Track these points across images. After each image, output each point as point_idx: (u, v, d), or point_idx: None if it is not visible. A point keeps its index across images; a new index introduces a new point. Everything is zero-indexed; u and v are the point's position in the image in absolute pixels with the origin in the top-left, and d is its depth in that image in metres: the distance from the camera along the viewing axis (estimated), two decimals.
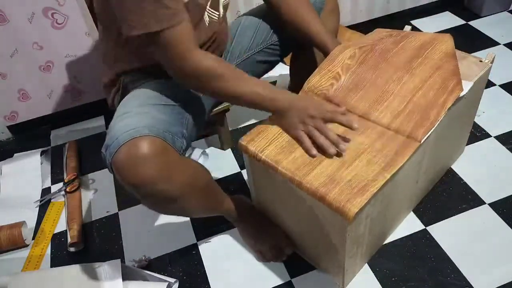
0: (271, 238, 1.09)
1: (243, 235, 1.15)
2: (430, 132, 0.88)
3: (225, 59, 1.13)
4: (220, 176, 1.36)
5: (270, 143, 0.90)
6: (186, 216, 1.21)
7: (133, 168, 0.76)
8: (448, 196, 1.20)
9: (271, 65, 1.21)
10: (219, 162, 1.42)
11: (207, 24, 0.96)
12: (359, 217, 0.80)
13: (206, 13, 0.94)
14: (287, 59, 1.29)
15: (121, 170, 0.77)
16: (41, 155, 1.54)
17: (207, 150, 1.44)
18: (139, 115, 0.83)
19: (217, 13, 0.97)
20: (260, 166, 0.91)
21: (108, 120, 1.67)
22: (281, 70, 1.66)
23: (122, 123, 0.80)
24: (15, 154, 1.56)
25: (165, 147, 0.80)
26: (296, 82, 1.19)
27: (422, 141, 0.86)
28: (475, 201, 1.17)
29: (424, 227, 1.13)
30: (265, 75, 1.24)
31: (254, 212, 1.12)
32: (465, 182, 1.23)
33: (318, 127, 0.87)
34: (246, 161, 0.98)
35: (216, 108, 1.24)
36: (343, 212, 0.77)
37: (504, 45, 1.75)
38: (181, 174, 0.84)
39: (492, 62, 1.05)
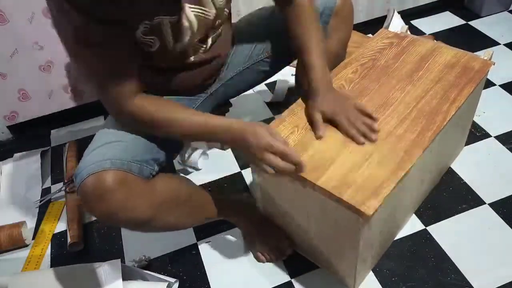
0: (273, 240, 1.09)
1: (244, 236, 1.15)
2: (436, 135, 0.89)
3: (224, 70, 1.10)
4: (220, 176, 1.36)
5: None
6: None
7: (95, 201, 0.80)
8: (448, 196, 1.20)
9: (273, 72, 1.18)
10: (219, 162, 1.42)
11: (192, 59, 0.95)
12: (373, 218, 0.80)
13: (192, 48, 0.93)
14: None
15: (86, 203, 0.81)
16: (41, 155, 1.54)
17: (207, 151, 1.44)
18: (107, 146, 0.84)
19: (204, 46, 0.95)
20: None
21: None
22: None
23: (90, 155, 0.83)
24: (15, 154, 1.56)
25: (126, 179, 0.81)
26: (301, 85, 1.17)
27: (430, 142, 0.87)
28: (475, 201, 1.17)
29: (424, 227, 1.13)
30: None
31: (256, 212, 1.12)
32: (465, 182, 1.23)
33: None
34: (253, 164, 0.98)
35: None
36: (360, 213, 0.77)
37: (504, 45, 1.75)
38: (147, 200, 0.85)
39: (491, 59, 1.06)
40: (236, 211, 1.09)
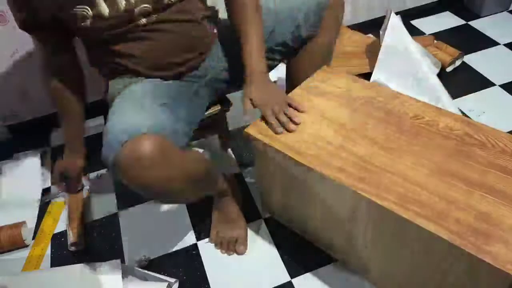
0: (233, 232, 1.14)
1: (214, 213, 1.19)
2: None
3: (211, 62, 1.08)
4: None
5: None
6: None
7: (138, 169, 0.75)
8: None
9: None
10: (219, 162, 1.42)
11: (144, 21, 0.91)
12: None
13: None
14: None
15: (125, 170, 0.76)
16: (41, 155, 1.54)
17: (207, 151, 1.44)
18: (138, 114, 0.82)
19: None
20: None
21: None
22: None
23: (122, 121, 0.80)
24: (15, 154, 1.56)
25: (165, 146, 0.79)
26: (291, 85, 1.16)
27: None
28: None
29: None
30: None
31: (238, 196, 1.19)
32: None
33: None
34: (257, 150, 0.99)
35: (216, 109, 1.23)
36: None
37: (504, 45, 1.75)
38: (184, 171, 0.84)
39: None
40: (227, 191, 1.15)
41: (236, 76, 1.12)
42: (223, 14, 1.12)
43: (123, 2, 0.85)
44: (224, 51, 1.08)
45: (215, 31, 1.08)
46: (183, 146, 0.90)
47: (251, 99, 0.93)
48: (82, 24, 0.85)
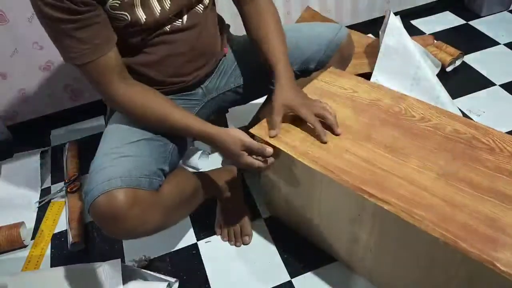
0: (238, 226, 1.16)
1: (218, 207, 1.20)
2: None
3: (220, 77, 1.09)
4: None
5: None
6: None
7: (109, 222, 0.82)
8: None
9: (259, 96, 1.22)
10: (219, 162, 1.42)
11: (168, 29, 0.91)
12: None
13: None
14: None
15: (98, 222, 0.84)
16: (41, 155, 1.54)
17: (208, 150, 1.44)
18: (115, 161, 0.85)
19: (180, 20, 0.92)
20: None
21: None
22: None
23: (99, 173, 0.84)
24: (15, 154, 1.56)
25: (137, 196, 0.82)
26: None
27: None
28: None
29: None
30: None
31: (236, 190, 1.19)
32: None
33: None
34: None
35: None
36: None
37: (504, 45, 1.75)
38: (158, 210, 0.88)
39: None
40: (222, 191, 1.15)
41: (243, 93, 1.14)
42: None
43: (158, 9, 0.86)
44: (233, 69, 1.10)
45: (227, 47, 1.10)
46: (161, 183, 0.91)
47: (287, 105, 0.90)
48: (119, 25, 0.85)
